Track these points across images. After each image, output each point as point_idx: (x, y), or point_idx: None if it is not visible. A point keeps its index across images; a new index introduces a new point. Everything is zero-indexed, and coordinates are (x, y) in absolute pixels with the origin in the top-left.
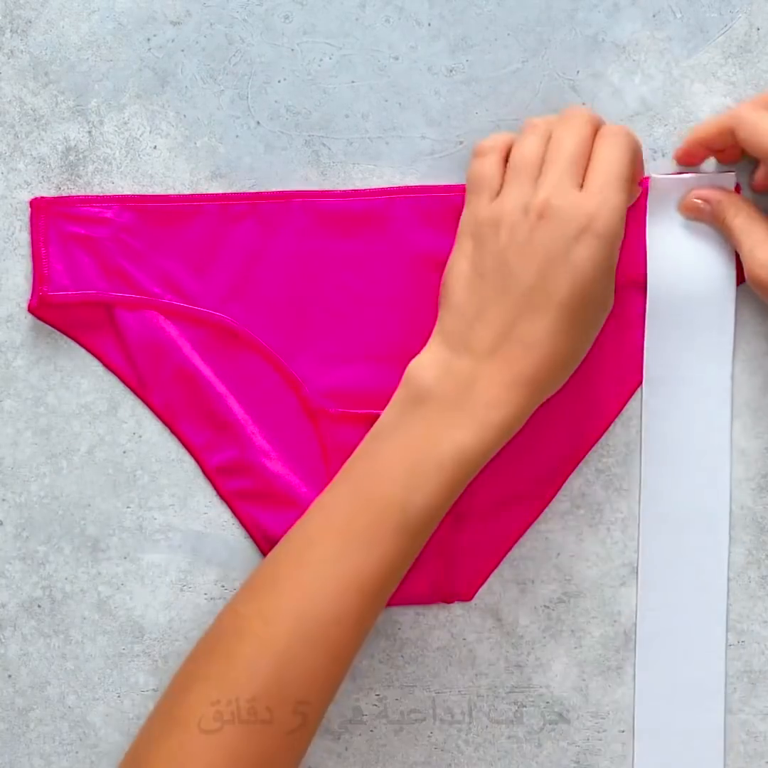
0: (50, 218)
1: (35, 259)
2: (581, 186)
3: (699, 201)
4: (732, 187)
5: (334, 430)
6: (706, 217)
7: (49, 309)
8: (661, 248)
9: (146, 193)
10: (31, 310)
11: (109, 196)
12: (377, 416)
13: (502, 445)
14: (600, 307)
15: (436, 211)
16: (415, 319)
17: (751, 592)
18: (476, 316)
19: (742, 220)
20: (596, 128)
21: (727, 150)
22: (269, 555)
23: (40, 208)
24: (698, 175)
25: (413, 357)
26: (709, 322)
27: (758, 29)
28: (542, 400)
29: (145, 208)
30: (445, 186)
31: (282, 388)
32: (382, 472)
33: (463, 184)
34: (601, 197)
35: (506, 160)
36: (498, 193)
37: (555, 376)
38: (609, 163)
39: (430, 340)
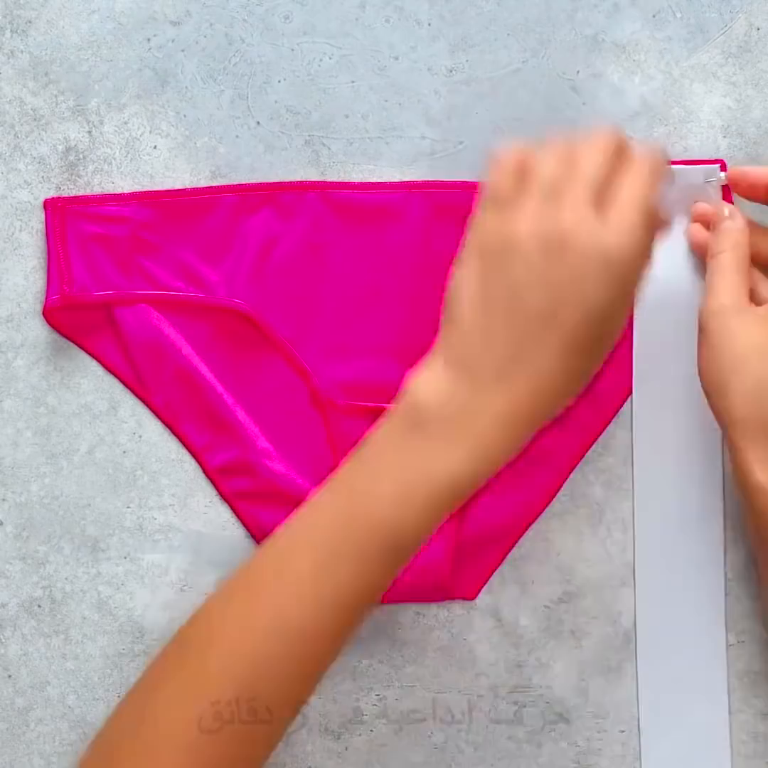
0: (67, 218)
1: (52, 258)
2: (603, 212)
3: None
4: (716, 177)
5: (341, 422)
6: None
7: (61, 310)
8: None
9: (162, 189)
10: (48, 310)
11: (127, 193)
12: (385, 410)
13: (494, 474)
14: (607, 344)
15: (450, 207)
16: (426, 314)
17: (751, 592)
18: (482, 342)
19: (719, 259)
20: (623, 150)
21: None
22: (248, 561)
23: (55, 208)
24: (684, 167)
25: (422, 353)
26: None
27: (758, 29)
28: (538, 429)
29: (163, 203)
30: (461, 182)
31: (290, 380)
32: (372, 491)
33: (480, 181)
34: (622, 232)
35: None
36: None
37: (555, 408)
38: (633, 193)
39: (433, 356)
